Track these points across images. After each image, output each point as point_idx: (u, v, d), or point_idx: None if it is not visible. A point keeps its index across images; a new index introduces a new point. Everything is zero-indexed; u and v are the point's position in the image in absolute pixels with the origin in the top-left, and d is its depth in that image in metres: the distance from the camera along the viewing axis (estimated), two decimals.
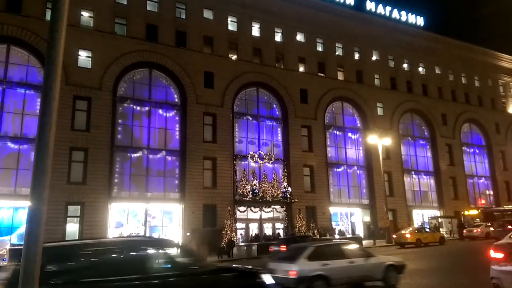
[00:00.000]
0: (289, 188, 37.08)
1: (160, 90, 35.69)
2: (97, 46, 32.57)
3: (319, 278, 11.66)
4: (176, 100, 36.11)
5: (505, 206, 45.90)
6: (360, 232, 41.57)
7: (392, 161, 44.41)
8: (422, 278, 14.22)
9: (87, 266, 7.20)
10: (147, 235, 31.05)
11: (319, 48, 44.55)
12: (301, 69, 42.83)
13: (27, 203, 4.13)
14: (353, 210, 42.89)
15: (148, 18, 35.68)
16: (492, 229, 34.22)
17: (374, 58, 47.93)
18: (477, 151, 54.87)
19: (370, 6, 47.55)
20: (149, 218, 33.22)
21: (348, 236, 37.77)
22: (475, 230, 35.67)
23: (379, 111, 46.38)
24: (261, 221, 36.72)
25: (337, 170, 42.84)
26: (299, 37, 43.32)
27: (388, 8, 48.93)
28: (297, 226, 36.12)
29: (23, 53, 30.89)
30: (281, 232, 37.04)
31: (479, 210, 44.67)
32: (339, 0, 45.10)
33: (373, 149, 39.99)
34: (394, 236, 33.72)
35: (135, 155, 33.51)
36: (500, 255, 8.64)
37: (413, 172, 48.10)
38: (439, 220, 45.59)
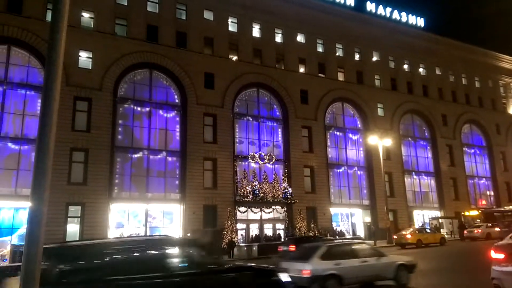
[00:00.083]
0: (290, 189, 37.08)
1: (161, 90, 35.72)
2: (97, 47, 32.60)
3: (332, 277, 11.81)
4: (177, 100, 36.13)
5: (505, 207, 45.85)
6: (360, 232, 41.58)
7: (393, 162, 44.40)
8: (423, 278, 14.21)
9: (109, 265, 7.33)
10: (147, 235, 31.08)
11: (320, 49, 44.56)
12: (302, 69, 42.85)
13: (27, 204, 4.14)
14: (353, 210, 42.88)
15: (148, 19, 35.71)
16: (497, 229, 34.16)
17: (374, 59, 47.94)
18: (478, 152, 54.84)
19: (370, 7, 47.57)
20: (150, 218, 33.22)
21: (348, 236, 37.77)
22: (475, 231, 35.64)
23: (380, 112, 46.38)
24: (261, 222, 36.71)
25: (338, 170, 42.82)
26: (300, 38, 43.34)
27: (389, 9, 48.96)
28: (298, 227, 36.13)
29: (23, 54, 30.92)
30: (281, 232, 37.04)
31: (480, 211, 44.64)
32: (340, 1, 45.12)
33: (374, 149, 39.98)
34: (394, 236, 33.71)
35: (136, 155, 33.53)
36: (500, 256, 8.64)
37: (413, 173, 48.08)
38: (440, 220, 45.56)
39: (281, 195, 36.69)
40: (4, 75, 30.10)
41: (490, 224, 36.86)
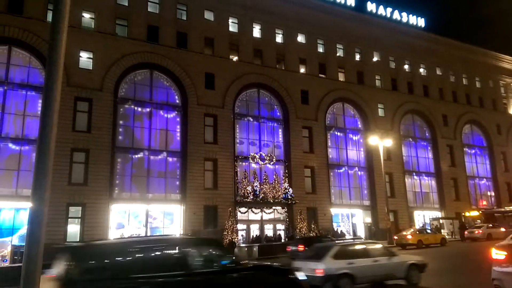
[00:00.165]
0: (290, 189, 37.07)
1: (161, 91, 35.74)
2: (98, 47, 32.63)
3: (345, 276, 12.00)
4: (177, 101, 36.15)
5: (506, 207, 45.80)
6: (361, 233, 41.55)
7: (393, 162, 44.37)
8: (424, 279, 14.20)
9: (133, 263, 7.58)
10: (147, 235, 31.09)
11: (320, 49, 44.56)
12: (302, 70, 42.85)
13: (28, 204, 4.14)
14: (354, 211, 42.86)
15: (149, 20, 35.73)
16: (502, 229, 34.08)
17: (375, 59, 47.93)
18: (478, 152, 54.80)
19: (371, 7, 47.56)
20: (150, 219, 33.23)
21: (348, 237, 37.74)
22: (476, 232, 35.59)
23: (380, 112, 46.37)
24: (262, 222, 36.71)
25: (338, 171, 42.81)
26: (300, 38, 43.34)
27: (389, 9, 48.95)
28: (298, 227, 36.13)
29: (24, 55, 30.95)
30: (282, 233, 37.03)
31: (480, 211, 44.60)
32: (340, 1, 45.11)
33: (374, 150, 39.96)
34: (395, 237, 33.66)
35: (136, 156, 33.54)
36: (501, 257, 8.63)
37: (414, 173, 48.04)
38: (440, 221, 45.52)
39: (281, 196, 36.68)
40: (5, 75, 30.14)
41: (491, 225, 36.81)
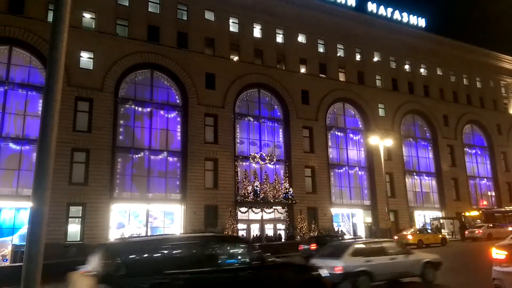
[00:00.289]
0: (291, 189, 37.07)
1: (162, 91, 35.75)
2: (98, 47, 32.65)
3: (363, 274, 12.17)
4: (178, 101, 36.17)
5: (506, 207, 45.77)
6: (361, 233, 41.54)
7: (394, 162, 44.36)
8: None
9: (167, 259, 7.91)
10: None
11: (321, 49, 44.56)
12: (303, 70, 42.85)
13: (29, 204, 4.15)
14: (354, 211, 42.86)
15: (149, 20, 35.75)
16: (510, 228, 34.01)
17: (375, 59, 47.91)
18: (479, 152, 54.76)
19: (371, 7, 47.52)
20: (151, 219, 33.26)
21: (349, 237, 37.67)
22: (476, 231, 35.57)
23: (381, 112, 46.35)
24: (262, 222, 36.73)
25: (339, 171, 42.80)
26: (301, 38, 43.34)
27: (390, 10, 48.91)
28: (299, 227, 36.14)
29: (25, 55, 30.98)
30: (282, 233, 37.03)
31: (480, 211, 44.57)
32: (340, 1, 45.09)
33: (375, 150, 39.94)
34: (395, 237, 33.62)
35: (137, 156, 33.56)
36: (502, 256, 8.62)
37: (414, 173, 48.02)
38: (441, 221, 45.49)
39: (282, 196, 36.69)
40: (6, 75, 30.18)
41: (491, 225, 36.80)
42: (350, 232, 40.89)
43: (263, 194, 35.87)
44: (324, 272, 9.68)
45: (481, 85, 56.71)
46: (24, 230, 27.13)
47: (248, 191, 35.55)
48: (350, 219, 42.49)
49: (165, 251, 8.04)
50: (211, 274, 7.84)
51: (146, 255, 7.83)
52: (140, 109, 34.54)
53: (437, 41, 52.30)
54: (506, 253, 8.56)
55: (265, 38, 41.16)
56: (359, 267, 12.20)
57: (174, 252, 8.08)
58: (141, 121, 34.48)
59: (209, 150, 35.25)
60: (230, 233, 32.22)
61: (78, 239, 29.34)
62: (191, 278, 7.56)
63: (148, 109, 34.72)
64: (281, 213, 37.53)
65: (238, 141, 37.94)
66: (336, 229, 39.08)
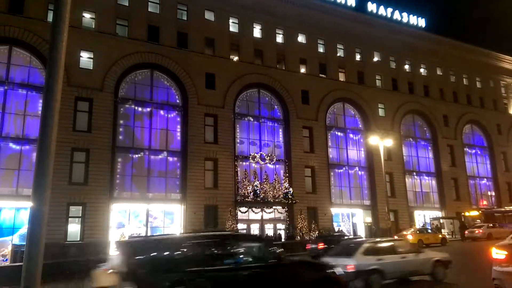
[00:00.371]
0: (291, 189, 37.07)
1: (162, 91, 35.75)
2: (98, 47, 32.64)
3: (375, 272, 12.39)
4: (178, 101, 36.16)
5: (506, 207, 45.79)
6: (361, 233, 41.53)
7: (394, 162, 44.36)
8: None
9: (189, 256, 8.07)
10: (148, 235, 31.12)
11: (321, 49, 44.55)
12: (303, 70, 42.84)
13: (29, 204, 4.15)
14: (354, 211, 42.86)
15: (149, 20, 35.74)
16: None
17: (375, 59, 47.91)
18: (479, 152, 54.76)
19: (371, 7, 47.50)
20: (151, 218, 33.26)
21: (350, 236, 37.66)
22: (476, 231, 35.59)
23: (381, 112, 46.35)
24: (262, 222, 36.72)
25: (339, 171, 42.80)
26: (301, 38, 43.33)
27: (390, 10, 48.89)
28: (299, 227, 36.14)
29: (25, 54, 30.96)
30: (282, 233, 37.02)
31: (480, 211, 44.57)
32: (340, 1, 45.07)
33: (375, 150, 39.93)
34: (395, 237, 33.62)
35: (137, 155, 33.56)
36: (502, 256, 8.62)
37: (414, 173, 48.03)
38: (441, 221, 45.51)
39: (282, 195, 36.69)
40: (6, 75, 30.16)
41: (491, 224, 36.81)
42: (350, 232, 40.86)
43: (263, 194, 35.87)
44: (339, 270, 9.91)
45: (481, 85, 56.71)
46: (24, 230, 27.13)
47: (248, 191, 35.55)
48: (350, 219, 42.49)
49: (185, 249, 8.19)
50: (230, 272, 8.01)
51: (166, 252, 8.02)
52: (140, 109, 34.53)
53: (437, 41, 52.30)
54: (506, 253, 8.56)
55: (265, 38, 41.15)
56: (371, 265, 12.43)
57: (194, 250, 8.23)
58: (141, 121, 34.47)
59: (209, 150, 35.24)
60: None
61: (78, 239, 29.35)
62: (211, 276, 7.71)
63: (148, 109, 34.72)
64: (281, 213, 37.53)
65: (238, 141, 37.94)
66: (336, 229, 39.04)
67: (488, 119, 55.13)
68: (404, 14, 50.00)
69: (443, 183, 48.55)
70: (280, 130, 40.43)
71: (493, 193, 53.91)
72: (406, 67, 50.51)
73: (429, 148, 50.25)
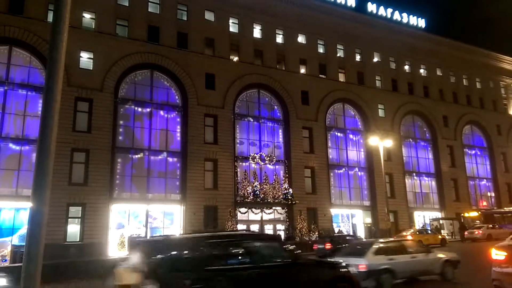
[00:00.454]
0: (290, 190, 37.06)
1: (162, 91, 35.75)
2: (98, 47, 32.64)
3: (386, 272, 12.58)
4: (178, 101, 36.16)
5: (505, 208, 45.79)
6: (361, 233, 41.51)
7: (394, 163, 44.35)
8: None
9: (209, 255, 8.23)
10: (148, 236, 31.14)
11: (320, 50, 44.56)
12: (303, 70, 42.85)
13: (28, 204, 4.14)
14: (354, 211, 42.85)
15: (149, 20, 35.74)
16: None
17: (375, 59, 47.92)
18: (479, 153, 54.77)
19: (371, 8, 47.53)
20: (150, 219, 33.24)
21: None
22: (476, 232, 35.60)
23: (381, 113, 46.36)
24: (262, 223, 36.71)
25: (338, 171, 42.80)
26: (301, 39, 43.34)
27: (390, 10, 48.91)
28: (298, 228, 36.13)
29: (25, 55, 30.96)
30: (282, 233, 36.99)
31: (479, 212, 44.57)
32: (340, 1, 45.10)
33: (374, 150, 39.93)
34: (395, 237, 33.62)
35: (136, 156, 33.55)
36: (501, 257, 8.63)
37: (414, 174, 48.04)
38: (440, 221, 45.51)
39: (281, 196, 36.69)
40: (6, 75, 30.16)
41: (491, 225, 36.81)
42: (349, 233, 40.82)
43: (262, 195, 35.87)
44: (353, 270, 10.07)
45: (480, 86, 56.73)
46: (23, 230, 27.09)
47: (248, 191, 35.55)
48: (350, 219, 42.48)
49: (207, 248, 8.35)
50: (249, 270, 8.14)
51: (189, 251, 8.21)
52: (140, 109, 34.53)
53: (437, 41, 52.32)
54: (505, 254, 8.56)
55: (265, 38, 41.17)
56: (382, 265, 12.62)
57: (213, 249, 8.38)
58: (140, 121, 34.47)
59: (209, 151, 35.24)
60: None
61: (78, 240, 29.33)
62: (231, 275, 7.87)
63: (148, 110, 34.72)
64: (280, 213, 37.52)
65: (238, 141, 37.93)
66: (336, 230, 39.04)
67: (488, 120, 55.15)
68: (404, 15, 50.04)
69: (442, 184, 48.56)
70: (280, 130, 40.43)
71: (493, 194, 53.92)
72: (406, 67, 50.54)
73: (429, 148, 50.26)
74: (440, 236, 34.86)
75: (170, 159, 34.84)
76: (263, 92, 40.34)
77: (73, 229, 29.49)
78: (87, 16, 33.32)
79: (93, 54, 32.62)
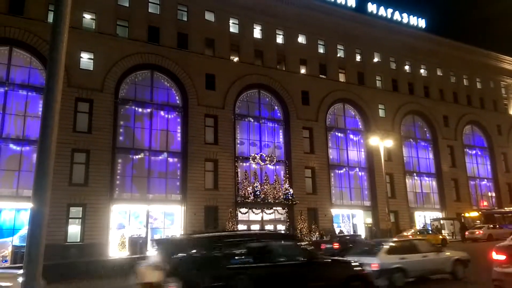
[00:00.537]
0: (291, 190, 37.06)
1: (162, 92, 35.76)
2: (99, 48, 32.65)
3: (398, 270, 12.83)
4: (178, 102, 36.17)
5: (506, 208, 45.75)
6: (362, 233, 41.45)
7: (394, 163, 44.33)
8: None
9: (230, 254, 8.49)
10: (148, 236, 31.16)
11: (321, 50, 44.56)
12: (303, 71, 42.84)
13: (29, 205, 4.14)
14: (354, 211, 42.83)
15: (150, 20, 35.75)
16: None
17: (375, 60, 47.91)
18: (479, 153, 54.73)
19: (371, 8, 47.52)
20: (151, 219, 33.23)
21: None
22: (477, 232, 35.57)
23: (381, 113, 46.34)
24: (262, 223, 36.69)
25: (339, 171, 42.78)
26: (301, 39, 43.34)
27: (390, 10, 48.90)
28: (299, 228, 36.11)
29: (25, 55, 30.97)
30: None
31: (480, 212, 44.53)
32: (341, 2, 45.09)
33: (375, 150, 39.91)
34: (395, 238, 33.60)
35: (137, 156, 33.55)
36: (502, 257, 8.62)
37: (415, 174, 48.00)
38: (441, 222, 45.47)
39: (282, 196, 36.68)
40: (6, 76, 30.18)
41: (491, 226, 36.78)
42: (350, 233, 40.78)
43: (263, 195, 35.87)
44: (367, 269, 10.31)
45: (481, 86, 56.70)
46: (24, 231, 27.11)
47: (248, 191, 35.54)
48: (351, 220, 42.46)
49: (228, 247, 8.59)
50: (269, 268, 8.36)
51: (210, 250, 8.42)
52: (140, 109, 34.54)
53: (437, 41, 52.30)
54: (506, 254, 8.55)
55: (265, 38, 41.17)
56: (394, 264, 12.81)
57: (236, 248, 8.61)
58: (141, 121, 34.47)
59: (209, 151, 35.23)
60: None
61: (78, 240, 29.33)
62: (251, 273, 8.05)
63: (148, 110, 34.72)
64: (281, 214, 37.52)
65: (238, 142, 37.93)
66: (337, 230, 39.01)
67: (488, 120, 55.12)
68: (404, 15, 50.03)
69: (443, 184, 48.52)
70: (280, 131, 40.42)
71: (494, 194, 53.88)
72: (406, 67, 50.52)
73: (429, 148, 50.23)
74: (440, 236, 34.84)
75: (170, 160, 34.83)
76: (264, 93, 40.34)
77: (74, 230, 29.49)
78: (87, 16, 33.33)
79: (94, 54, 32.62)
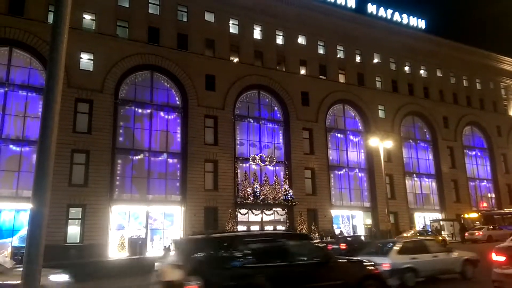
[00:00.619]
0: (291, 191, 37.05)
1: (162, 92, 35.76)
2: (99, 48, 32.66)
3: (409, 270, 12.99)
4: (178, 102, 36.17)
5: (505, 209, 45.72)
6: (361, 234, 41.41)
7: (394, 164, 44.32)
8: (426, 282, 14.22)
9: (248, 253, 8.59)
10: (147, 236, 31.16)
11: (321, 51, 44.58)
12: (303, 71, 42.86)
13: (28, 205, 4.14)
14: (354, 212, 42.82)
15: (149, 21, 35.76)
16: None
17: (375, 60, 47.93)
18: (479, 154, 54.74)
19: (371, 9, 47.56)
20: (151, 220, 33.22)
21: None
22: (476, 233, 35.56)
23: (381, 114, 46.35)
24: (262, 224, 36.68)
25: (339, 172, 42.78)
26: (301, 40, 43.36)
27: (390, 11, 48.93)
28: (299, 229, 36.09)
29: (25, 56, 30.98)
30: None
31: (479, 213, 44.51)
32: (340, 2, 45.13)
33: (375, 151, 39.90)
34: (395, 239, 33.57)
35: (137, 157, 33.54)
36: (502, 258, 8.62)
37: (414, 175, 48.00)
38: (441, 223, 45.43)
39: (282, 197, 36.67)
40: (6, 76, 30.19)
41: (491, 227, 36.77)
42: (349, 234, 40.75)
43: (263, 196, 35.86)
44: (381, 269, 10.43)
45: (481, 87, 56.74)
46: (24, 231, 27.10)
47: (248, 192, 35.53)
48: (350, 221, 42.44)
49: (246, 246, 8.68)
50: (286, 268, 8.50)
51: (229, 249, 8.56)
52: (140, 110, 34.54)
53: (437, 42, 52.33)
54: (506, 255, 8.55)
55: (265, 39, 41.19)
56: (406, 264, 12.97)
57: (254, 247, 8.71)
58: (141, 122, 34.47)
59: (209, 152, 35.23)
60: None
61: (78, 241, 29.31)
62: (269, 272, 8.20)
63: (148, 111, 34.72)
64: (281, 214, 37.51)
65: (238, 142, 37.93)
66: (337, 231, 38.98)
67: (488, 121, 55.14)
68: (404, 16, 50.07)
69: (443, 185, 48.52)
70: (280, 131, 40.42)
71: (493, 195, 53.87)
72: (406, 68, 50.54)
73: (429, 149, 50.24)
74: (440, 237, 34.79)
75: (170, 160, 34.83)
76: (263, 93, 40.35)
77: (73, 230, 29.48)
78: (87, 17, 33.35)
79: (93, 55, 32.64)
